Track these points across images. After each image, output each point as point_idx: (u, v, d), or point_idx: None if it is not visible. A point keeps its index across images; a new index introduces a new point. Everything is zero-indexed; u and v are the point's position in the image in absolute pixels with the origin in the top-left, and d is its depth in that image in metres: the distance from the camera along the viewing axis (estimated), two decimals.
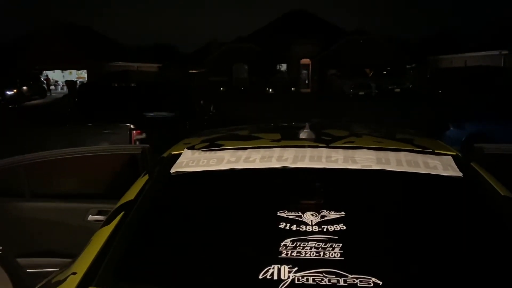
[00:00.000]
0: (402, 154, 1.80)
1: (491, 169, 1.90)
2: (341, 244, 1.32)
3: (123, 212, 1.57)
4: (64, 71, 35.54)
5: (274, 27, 41.73)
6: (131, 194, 1.70)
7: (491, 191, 1.63)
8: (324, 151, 1.83)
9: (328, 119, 14.31)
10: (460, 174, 1.66)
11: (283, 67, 39.13)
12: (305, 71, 37.44)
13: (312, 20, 41.57)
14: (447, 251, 1.36)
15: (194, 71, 34.17)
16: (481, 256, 1.34)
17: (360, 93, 26.12)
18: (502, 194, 1.61)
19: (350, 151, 1.82)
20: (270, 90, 31.01)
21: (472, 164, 1.84)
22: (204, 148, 1.96)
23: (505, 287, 1.17)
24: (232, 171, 1.72)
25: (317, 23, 40.80)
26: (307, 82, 36.72)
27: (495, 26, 31.83)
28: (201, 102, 10.14)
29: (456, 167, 1.71)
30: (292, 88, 32.97)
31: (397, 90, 27.06)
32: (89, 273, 1.30)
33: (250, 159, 1.78)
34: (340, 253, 1.29)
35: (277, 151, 1.84)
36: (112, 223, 1.52)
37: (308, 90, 34.18)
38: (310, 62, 36.65)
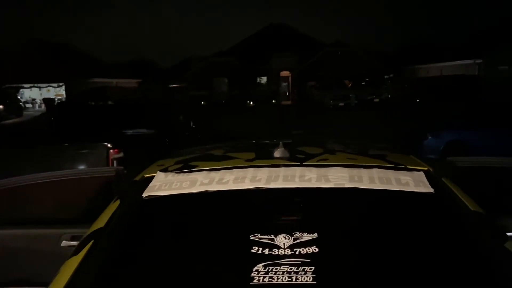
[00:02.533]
0: (374, 171, 1.81)
1: (463, 182, 1.93)
2: (313, 268, 1.30)
3: (92, 241, 1.53)
4: (41, 88, 34.99)
5: (254, 40, 42.14)
6: (101, 221, 1.66)
7: (462, 206, 1.65)
8: (297, 170, 1.82)
9: (309, 131, 14.42)
10: (432, 190, 1.67)
11: (263, 80, 39.41)
12: (285, 84, 37.76)
13: (291, 33, 42.13)
14: (421, 269, 1.36)
15: (174, 85, 34.10)
16: (451, 272, 1.34)
17: (340, 104, 26.46)
18: (472, 209, 1.63)
19: (323, 169, 1.82)
20: (251, 103, 31.13)
21: (443, 179, 1.86)
22: (177, 170, 1.94)
23: None
24: (205, 193, 1.70)
25: (296, 36, 41.36)
26: (287, 94, 37.01)
27: (469, 36, 32.79)
28: (181, 117, 10.10)
29: (427, 183, 1.72)
30: (273, 101, 33.18)
31: (376, 100, 27.52)
32: None
33: (224, 180, 1.77)
34: (312, 277, 1.27)
35: (251, 171, 1.83)
36: (80, 253, 1.48)
37: (289, 102, 34.43)
38: (290, 75, 37.01)
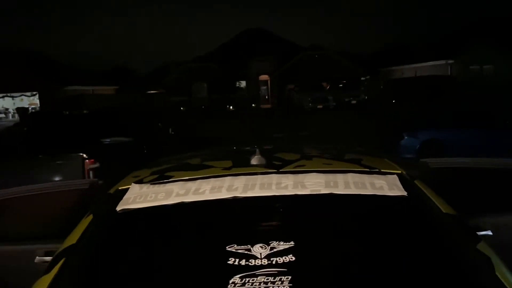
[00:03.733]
0: (350, 175, 1.82)
1: (436, 183, 1.96)
2: (290, 277, 1.30)
3: (64, 259, 1.49)
4: (14, 98, 34.12)
5: (232, 45, 42.19)
6: (73, 238, 1.62)
7: (434, 208, 1.68)
8: (274, 178, 1.82)
9: (288, 133, 14.48)
10: (405, 193, 1.70)
11: (243, 84, 39.44)
12: (264, 87, 37.87)
13: (269, 37, 42.37)
14: (396, 273, 1.38)
15: (152, 92, 33.77)
16: (424, 275, 1.36)
17: (319, 106, 26.67)
18: (444, 211, 1.66)
19: (300, 176, 1.82)
20: (231, 107, 31.08)
21: (416, 182, 1.89)
22: (152, 181, 1.91)
23: None
24: (180, 205, 1.68)
25: (273, 40, 41.60)
26: (267, 97, 37.12)
27: (441, 37, 33.62)
28: (160, 124, 10.00)
29: (401, 186, 1.75)
30: (253, 105, 33.21)
31: (354, 102, 27.84)
32: None
33: (200, 190, 1.75)
34: (288, 286, 1.27)
35: (227, 180, 1.82)
36: (51, 271, 1.44)
37: (269, 105, 34.53)
38: (268, 78, 37.15)
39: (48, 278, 1.41)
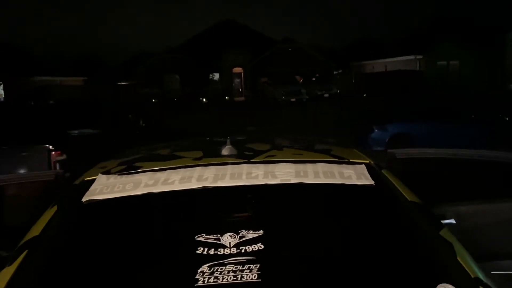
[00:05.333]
0: (319, 165, 1.84)
1: (403, 173, 2.01)
2: (258, 265, 1.31)
3: (27, 251, 1.44)
4: None
5: (205, 37, 41.74)
6: (37, 229, 1.57)
7: (400, 197, 1.72)
8: (245, 167, 1.82)
9: (262, 126, 14.52)
10: (372, 182, 1.73)
11: (216, 76, 39.17)
12: (237, 80, 37.73)
13: (242, 29, 42.14)
14: (361, 261, 1.40)
15: (122, 83, 33.09)
16: (390, 263, 1.39)
17: (292, 99, 26.83)
18: (409, 199, 1.70)
19: (270, 166, 1.83)
20: (204, 100, 30.86)
21: (383, 171, 1.93)
22: (120, 172, 1.87)
23: None
24: (149, 195, 1.66)
25: (247, 33, 41.42)
26: (240, 90, 37.02)
27: (410, 33, 34.39)
28: (130, 116, 9.83)
29: (368, 175, 1.78)
30: (226, 97, 33.08)
31: (326, 95, 28.19)
32: None
33: (169, 181, 1.73)
34: (257, 274, 1.28)
35: (197, 170, 1.80)
36: (14, 263, 1.39)
37: (242, 98, 34.47)
38: (242, 71, 37.05)
39: (10, 270, 1.36)
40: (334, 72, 35.52)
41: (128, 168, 1.91)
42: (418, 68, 28.14)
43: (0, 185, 2.42)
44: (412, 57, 29.65)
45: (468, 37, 26.76)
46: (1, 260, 1.61)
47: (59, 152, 5.57)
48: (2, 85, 31.16)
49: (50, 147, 5.54)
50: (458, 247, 1.43)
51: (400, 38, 35.30)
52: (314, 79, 30.98)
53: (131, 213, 1.67)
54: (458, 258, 1.36)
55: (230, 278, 1.26)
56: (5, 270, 1.39)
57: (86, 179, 1.90)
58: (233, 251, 1.37)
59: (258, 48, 36.35)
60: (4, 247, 1.84)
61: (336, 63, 36.76)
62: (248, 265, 1.31)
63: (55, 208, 1.70)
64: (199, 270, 1.29)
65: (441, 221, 1.73)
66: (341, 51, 44.14)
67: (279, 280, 1.29)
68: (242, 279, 1.26)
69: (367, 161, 1.99)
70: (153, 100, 28.30)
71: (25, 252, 1.44)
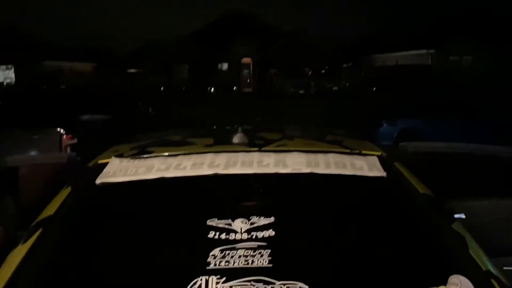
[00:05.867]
0: (331, 156, 1.84)
1: (414, 166, 2.00)
2: (269, 251, 1.32)
3: (41, 229, 1.46)
4: None
5: (215, 26, 41.58)
6: (51, 209, 1.60)
7: (412, 189, 1.72)
8: (256, 156, 1.83)
9: (269, 118, 14.49)
10: (384, 174, 1.73)
11: (224, 66, 39.10)
12: (246, 71, 37.63)
13: (252, 20, 41.91)
14: (371, 252, 1.41)
15: (132, 71, 33.15)
16: (401, 254, 1.40)
17: (300, 91, 26.76)
18: (421, 192, 1.70)
19: (281, 155, 1.83)
20: (212, 90, 30.85)
21: (395, 163, 1.93)
22: (133, 156, 1.89)
23: (427, 283, 1.21)
24: (161, 179, 1.67)
25: (257, 23, 41.20)
26: (248, 81, 36.94)
27: (423, 27, 33.95)
28: (139, 103, 9.87)
29: (380, 167, 1.78)
30: (234, 88, 33.03)
31: (335, 88, 28.04)
32: None
33: (181, 166, 1.74)
34: (268, 259, 1.29)
35: (209, 157, 1.82)
36: (28, 241, 1.42)
37: (250, 89, 34.40)
38: (251, 62, 36.92)
39: (24, 248, 1.39)
40: (344, 65, 35.28)
41: (141, 153, 1.93)
42: (430, 63, 27.83)
43: (15, 166, 2.46)
44: (424, 51, 29.31)
45: (483, 31, 26.26)
46: (15, 238, 1.64)
47: (70, 136, 5.62)
48: (13, 69, 31.36)
49: (62, 130, 5.59)
50: (470, 241, 1.43)
51: (413, 31, 34.87)
52: (323, 71, 30.81)
53: (144, 196, 1.69)
54: (470, 252, 1.37)
55: (241, 262, 1.28)
56: (19, 247, 1.41)
57: (99, 162, 1.92)
58: (244, 237, 1.38)
59: (268, 39, 36.17)
60: (19, 226, 1.87)
61: (346, 56, 36.49)
62: (259, 251, 1.32)
63: (69, 189, 1.73)
64: (210, 254, 1.31)
65: (453, 215, 1.73)
66: (351, 44, 43.75)
67: (290, 266, 1.30)
68: (253, 263, 1.27)
69: (379, 153, 1.98)
70: (161, 88, 28.34)
71: (39, 231, 1.46)
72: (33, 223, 1.55)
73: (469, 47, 26.38)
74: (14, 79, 30.38)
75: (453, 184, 2.33)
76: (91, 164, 1.96)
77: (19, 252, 1.38)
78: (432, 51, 28.82)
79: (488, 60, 22.57)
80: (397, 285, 1.21)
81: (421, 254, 1.39)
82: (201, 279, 1.22)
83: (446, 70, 23.84)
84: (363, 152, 1.96)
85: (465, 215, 2.12)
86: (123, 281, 1.28)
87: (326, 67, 31.62)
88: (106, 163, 1.84)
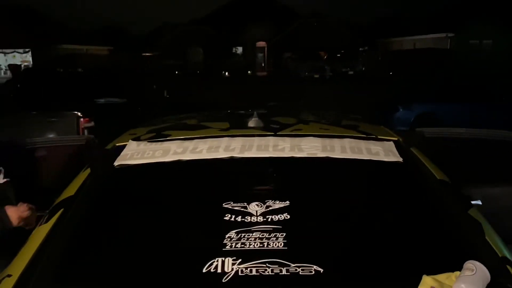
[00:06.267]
0: (346, 140, 1.84)
1: (431, 151, 1.99)
2: (284, 234, 1.33)
3: (62, 209, 1.51)
4: (6, 54, 33.39)
5: (229, 9, 41.30)
6: (71, 190, 1.64)
7: (428, 175, 1.71)
8: (271, 140, 1.83)
9: (284, 102, 14.41)
10: (400, 159, 1.72)
11: (239, 50, 38.89)
12: (261, 54, 37.31)
13: (268, 2, 41.43)
14: (386, 236, 1.42)
15: (147, 54, 33.20)
16: (417, 240, 1.40)
17: (315, 76, 26.46)
18: (438, 177, 1.69)
19: (297, 139, 1.84)
20: (226, 73, 30.75)
21: (412, 149, 1.91)
22: (150, 139, 1.92)
23: (443, 268, 1.22)
24: (178, 162, 1.70)
25: (272, 6, 40.74)
26: (263, 65, 36.68)
27: (442, 10, 33.07)
28: (154, 86, 9.92)
29: (396, 152, 1.77)
30: (248, 71, 32.86)
31: (351, 72, 27.69)
32: (25, 275, 1.24)
33: (197, 149, 1.76)
34: (283, 242, 1.31)
35: (225, 140, 1.83)
36: (50, 221, 1.46)
37: (264, 73, 34.18)
38: (265, 45, 36.62)
39: (46, 227, 1.43)
40: (360, 49, 34.72)
41: (157, 136, 1.96)
42: (449, 47, 27.18)
43: (35, 147, 2.51)
44: (443, 34, 28.60)
45: (505, 14, 25.44)
46: (37, 218, 1.69)
47: (87, 119, 5.70)
48: (30, 52, 31.71)
49: (79, 113, 5.67)
50: (487, 227, 1.42)
51: (431, 14, 34.00)
52: (338, 55, 30.42)
53: (160, 179, 1.71)
54: (486, 238, 1.36)
55: (257, 244, 1.30)
56: (42, 227, 1.46)
57: (117, 144, 1.95)
58: (259, 220, 1.40)
59: (283, 22, 35.78)
60: (40, 207, 1.92)
61: (362, 40, 35.88)
62: (274, 234, 1.34)
63: (88, 171, 1.76)
64: (226, 236, 1.33)
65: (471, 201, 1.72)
66: (368, 26, 42.94)
67: (304, 250, 1.31)
68: (268, 246, 1.29)
69: (396, 138, 1.97)
70: (176, 72, 28.35)
71: (60, 211, 1.50)
72: (54, 204, 1.60)
73: (489, 31, 25.64)
74: (31, 63, 30.74)
75: (470, 170, 2.30)
76: (109, 146, 1.99)
77: (41, 231, 1.42)
78: (452, 34, 28.09)
79: (509, 44, 21.93)
80: (412, 270, 1.21)
81: (437, 239, 1.39)
82: (217, 260, 1.24)
83: (465, 54, 23.27)
84: (379, 137, 1.95)
85: (482, 201, 2.10)
86: (141, 261, 1.32)
87: (342, 51, 31.18)
88: (124, 146, 1.87)
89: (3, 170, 1.94)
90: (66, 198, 1.59)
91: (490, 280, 1.13)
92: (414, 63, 17.98)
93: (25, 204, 1.82)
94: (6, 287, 1.21)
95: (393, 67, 19.16)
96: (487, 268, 1.14)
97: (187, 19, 39.56)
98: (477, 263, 1.14)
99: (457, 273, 1.15)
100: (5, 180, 1.92)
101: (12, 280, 1.23)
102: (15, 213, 1.78)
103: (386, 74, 18.86)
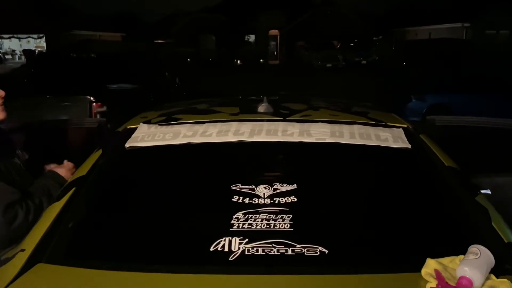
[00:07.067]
0: (355, 127, 1.84)
1: (441, 139, 1.98)
2: (291, 216, 1.35)
3: (74, 188, 1.55)
4: (21, 39, 33.73)
5: None
6: (83, 170, 1.68)
7: (437, 162, 1.71)
8: (280, 125, 1.85)
9: (296, 91, 14.34)
10: (409, 146, 1.72)
11: (251, 38, 38.69)
12: (273, 43, 37.04)
13: None
14: (392, 220, 1.43)
15: (159, 41, 33.21)
16: (423, 224, 1.41)
17: (328, 65, 26.23)
18: (446, 164, 1.69)
19: (306, 125, 1.85)
20: (238, 61, 30.66)
21: (421, 136, 1.91)
22: (160, 122, 1.95)
23: (448, 252, 1.22)
24: (188, 145, 1.72)
25: None
26: (275, 53, 36.45)
27: None
28: (166, 73, 9.95)
29: (405, 139, 1.77)
30: (261, 60, 32.70)
31: (364, 62, 27.35)
32: (38, 249, 1.28)
33: (207, 133, 1.78)
34: (289, 224, 1.32)
35: (234, 125, 1.85)
36: (62, 199, 1.50)
37: (277, 61, 33.98)
38: (278, 34, 36.35)
39: (59, 205, 1.48)
40: (374, 38, 34.27)
41: (168, 119, 1.98)
42: (464, 37, 26.69)
43: (49, 128, 2.56)
44: (459, 24, 28.06)
45: None
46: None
47: (100, 104, 5.76)
48: (44, 38, 31.96)
49: (92, 98, 5.74)
50: (494, 213, 1.42)
51: (446, 3, 33.32)
52: (352, 44, 30.07)
53: (170, 161, 1.74)
54: (493, 224, 1.36)
55: (264, 225, 1.32)
56: (54, 204, 1.50)
57: (128, 127, 1.99)
58: (267, 202, 1.42)
59: (296, 10, 35.42)
60: None
61: (376, 29, 35.39)
62: (281, 215, 1.36)
63: (99, 152, 1.80)
64: (234, 216, 1.35)
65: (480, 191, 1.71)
66: (382, 15, 42.27)
67: (310, 231, 1.33)
68: (275, 227, 1.31)
69: (405, 125, 1.97)
70: (188, 59, 28.34)
71: (72, 190, 1.54)
72: (67, 182, 1.64)
73: (506, 21, 25.07)
74: (45, 48, 31.01)
75: (480, 159, 2.29)
76: (120, 129, 2.03)
77: (54, 209, 1.46)
78: (467, 24, 27.55)
79: None
80: (417, 253, 1.22)
81: (443, 224, 1.40)
82: (224, 240, 1.27)
83: (481, 44, 22.81)
84: (389, 124, 1.95)
85: (491, 190, 2.09)
86: (149, 239, 1.35)
87: (355, 40, 30.82)
88: (135, 129, 1.90)
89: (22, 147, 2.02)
90: (78, 177, 1.63)
91: (495, 265, 1.14)
92: (428, 54, 17.70)
93: (67, 162, 2.01)
94: (19, 261, 1.25)
95: (407, 57, 18.89)
96: (492, 253, 1.15)
97: (200, 7, 39.39)
98: (482, 247, 1.14)
99: (461, 256, 1.15)
100: (28, 155, 2.01)
101: (25, 255, 1.27)
102: (65, 170, 1.96)
103: (400, 64, 18.61)
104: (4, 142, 1.89)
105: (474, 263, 1.10)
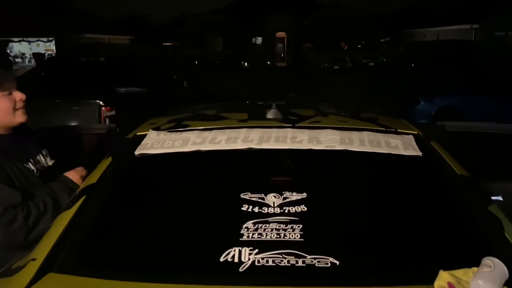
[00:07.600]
0: (365, 133, 1.83)
1: (452, 145, 1.96)
2: (301, 225, 1.34)
3: (85, 196, 1.55)
4: (31, 43, 34.08)
5: None
6: (93, 178, 1.68)
7: (448, 170, 1.69)
8: (289, 132, 1.84)
9: (303, 93, 14.30)
10: (420, 154, 1.70)
11: (259, 40, 38.70)
12: (280, 45, 37.10)
13: None
14: (404, 231, 1.41)
15: (167, 44, 33.35)
16: (435, 235, 1.39)
17: (335, 67, 26.16)
18: (458, 173, 1.67)
19: (315, 131, 1.84)
20: (246, 64, 30.69)
21: (432, 143, 1.89)
22: (170, 129, 1.95)
23: (461, 264, 1.21)
24: (197, 153, 1.72)
25: None
26: (282, 56, 36.45)
27: (466, 0, 32.12)
28: (174, 76, 9.98)
29: (416, 146, 1.75)
30: (268, 62, 32.70)
31: (371, 64, 27.23)
32: (49, 258, 1.29)
33: (216, 140, 1.78)
34: (300, 234, 1.32)
35: (243, 131, 1.84)
36: (73, 207, 1.51)
37: (284, 64, 33.97)
38: (285, 36, 36.34)
39: (70, 213, 1.48)
40: (381, 40, 34.10)
41: (177, 126, 1.99)
42: (473, 39, 26.47)
43: (56, 136, 2.57)
44: (467, 26, 27.84)
45: None
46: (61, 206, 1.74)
47: (109, 108, 5.79)
48: (54, 41, 32.25)
49: (101, 102, 5.77)
50: (506, 223, 1.40)
51: (455, 4, 33.07)
52: (359, 46, 29.94)
53: (180, 169, 1.74)
54: (506, 234, 1.34)
55: (274, 235, 1.31)
56: (65, 212, 1.51)
57: (137, 133, 1.99)
58: (276, 211, 1.41)
59: (303, 12, 35.36)
60: None
61: (384, 30, 35.21)
62: (291, 225, 1.35)
63: (109, 159, 1.81)
64: (243, 226, 1.35)
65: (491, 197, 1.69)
66: (390, 17, 42.05)
67: (321, 242, 1.32)
68: (285, 237, 1.31)
69: (415, 132, 1.95)
70: (196, 62, 28.41)
71: (83, 198, 1.55)
72: (77, 190, 1.64)
73: None
74: (55, 51, 31.29)
75: (492, 165, 2.26)
76: (130, 136, 2.03)
77: (65, 217, 1.47)
78: (476, 26, 27.32)
79: None
80: (430, 265, 1.21)
81: (456, 235, 1.38)
82: (234, 250, 1.26)
83: (490, 46, 22.62)
84: (399, 130, 1.93)
85: (503, 197, 2.06)
86: (159, 248, 1.35)
87: (363, 42, 30.68)
88: (144, 135, 1.90)
89: (48, 153, 2.03)
90: (88, 185, 1.64)
91: (509, 278, 1.12)
92: (436, 55, 17.61)
93: (82, 168, 2.02)
94: (31, 271, 1.26)
95: (415, 59, 18.80)
96: (506, 265, 1.13)
97: (207, 9, 39.54)
98: (495, 260, 1.13)
99: (475, 269, 1.14)
100: (53, 161, 2.02)
101: (36, 264, 1.28)
102: (77, 175, 1.97)
103: (408, 66, 18.51)
104: (22, 145, 1.89)
105: (487, 276, 1.09)
